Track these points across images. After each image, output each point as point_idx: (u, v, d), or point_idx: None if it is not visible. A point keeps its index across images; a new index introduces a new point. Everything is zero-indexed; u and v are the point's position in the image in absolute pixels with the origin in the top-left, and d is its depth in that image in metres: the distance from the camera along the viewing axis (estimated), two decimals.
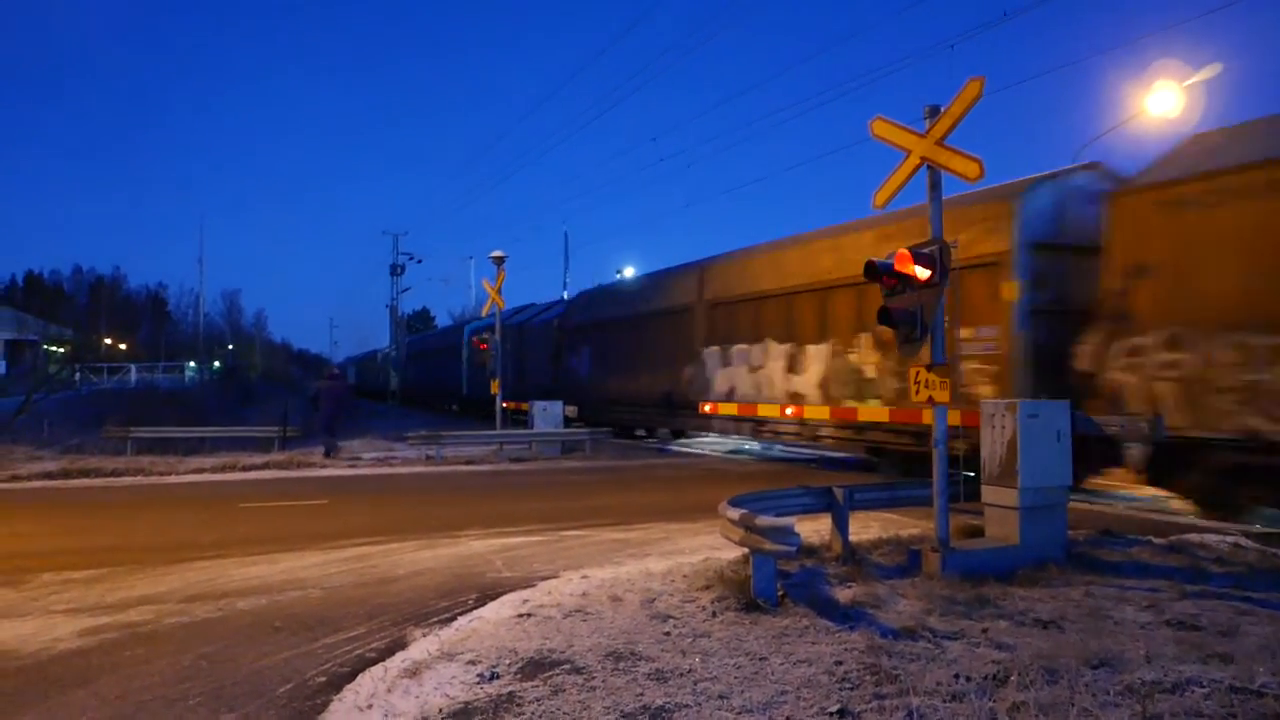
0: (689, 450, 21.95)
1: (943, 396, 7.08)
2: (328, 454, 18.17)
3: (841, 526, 7.79)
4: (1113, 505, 11.72)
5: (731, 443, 22.38)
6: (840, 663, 4.74)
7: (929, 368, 7.15)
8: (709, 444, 23.25)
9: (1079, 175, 12.53)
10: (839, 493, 7.84)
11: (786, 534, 5.85)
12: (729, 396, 17.98)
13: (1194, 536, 8.51)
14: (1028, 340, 11.77)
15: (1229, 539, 8.42)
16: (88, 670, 5.12)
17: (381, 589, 7.09)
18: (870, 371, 14.26)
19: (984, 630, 5.37)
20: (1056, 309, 11.76)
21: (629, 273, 40.74)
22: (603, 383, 23.72)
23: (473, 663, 4.97)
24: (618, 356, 23.07)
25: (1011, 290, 11.87)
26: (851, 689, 4.36)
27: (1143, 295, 10.37)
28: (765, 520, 6.05)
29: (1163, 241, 10.10)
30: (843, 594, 6.26)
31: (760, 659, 4.87)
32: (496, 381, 22.32)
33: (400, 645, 5.53)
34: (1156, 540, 8.25)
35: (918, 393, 7.25)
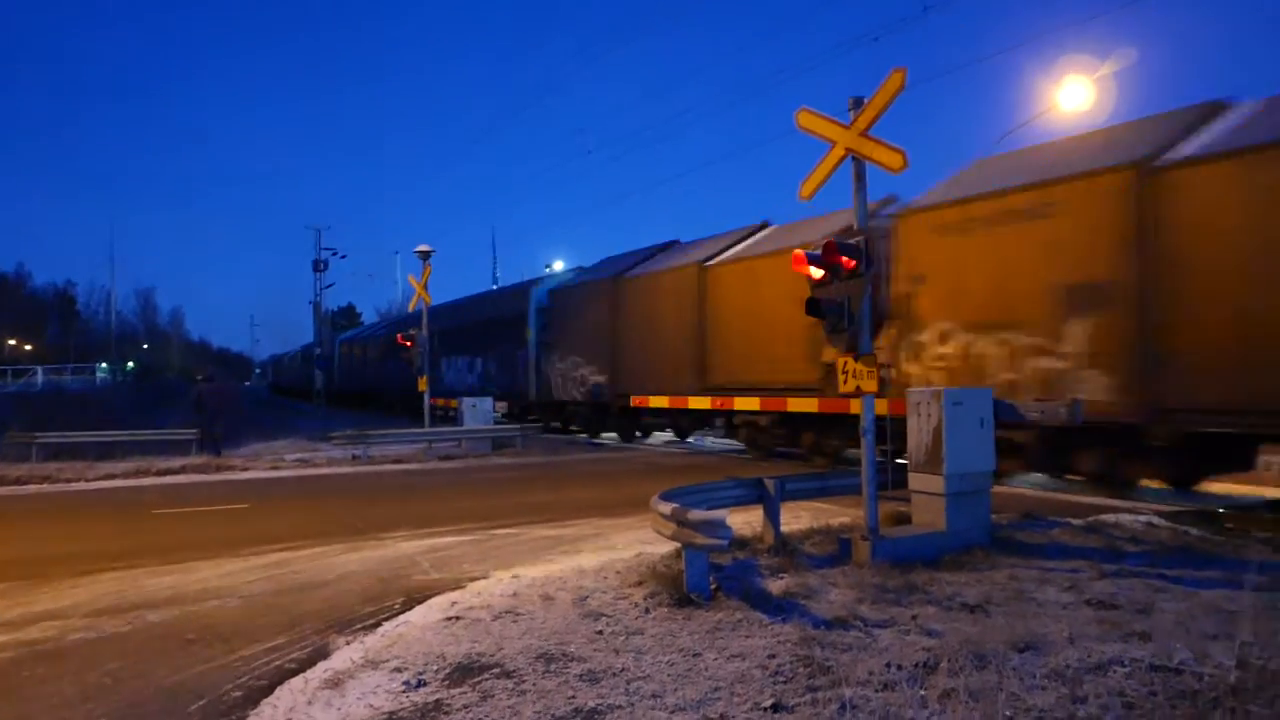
0: (621, 444, 21.94)
1: (870, 386, 7.08)
2: (216, 454, 17.90)
3: (773, 517, 7.80)
4: (1032, 489, 12.07)
5: (664, 437, 22.84)
6: (773, 656, 4.71)
7: (856, 357, 7.15)
8: (639, 438, 23.29)
9: (566, 273, 27.38)
10: (770, 484, 7.84)
11: (718, 528, 5.81)
12: (452, 390, 29.73)
13: (1109, 517, 8.79)
14: (533, 356, 24.90)
15: (1142, 518, 8.72)
16: None
17: (303, 596, 6.83)
18: (527, 373, 26.11)
19: (913, 617, 5.43)
20: (546, 339, 24.34)
21: (558, 267, 41.07)
22: None
23: (398, 670, 4.81)
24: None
25: (528, 332, 25.17)
26: (785, 682, 4.34)
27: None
28: (697, 514, 6.01)
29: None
30: (775, 585, 6.26)
31: (694, 655, 4.82)
32: (424, 378, 21.82)
33: (322, 654, 5.32)
34: (1075, 521, 8.50)
35: (845, 382, 7.23)
